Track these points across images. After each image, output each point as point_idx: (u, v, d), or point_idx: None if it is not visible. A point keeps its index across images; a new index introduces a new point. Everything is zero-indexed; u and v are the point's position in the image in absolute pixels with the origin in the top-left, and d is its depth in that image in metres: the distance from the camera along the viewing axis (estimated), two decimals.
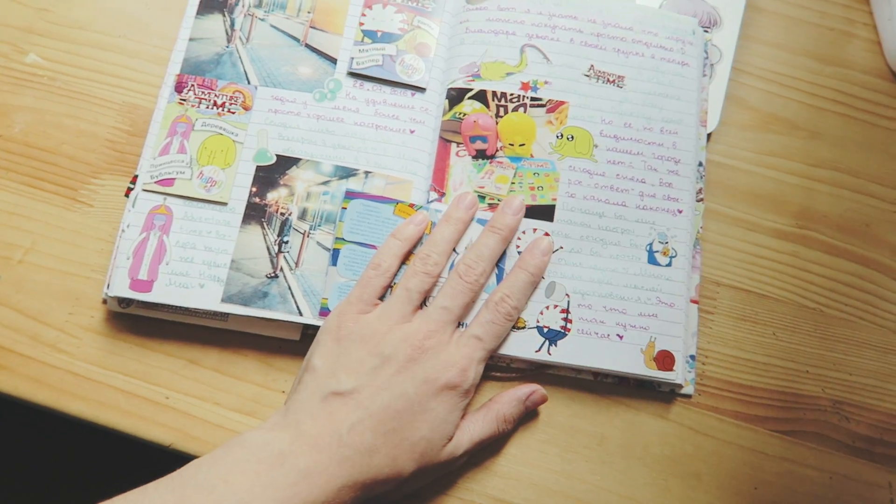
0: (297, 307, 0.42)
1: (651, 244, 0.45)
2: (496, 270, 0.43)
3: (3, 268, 0.45)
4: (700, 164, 0.48)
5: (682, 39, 0.48)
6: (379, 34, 0.47)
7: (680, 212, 0.45)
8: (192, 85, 0.46)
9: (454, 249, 0.43)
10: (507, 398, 0.42)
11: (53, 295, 0.45)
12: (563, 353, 0.42)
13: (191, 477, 0.35)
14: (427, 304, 0.41)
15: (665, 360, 0.43)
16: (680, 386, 0.44)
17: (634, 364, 0.42)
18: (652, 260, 0.44)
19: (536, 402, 0.42)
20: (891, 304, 0.47)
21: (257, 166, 0.45)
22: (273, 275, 0.43)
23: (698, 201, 0.47)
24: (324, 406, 0.38)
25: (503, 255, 0.43)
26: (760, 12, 0.54)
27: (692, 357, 0.45)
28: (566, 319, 0.43)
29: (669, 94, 0.47)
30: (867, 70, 0.53)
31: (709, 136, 0.50)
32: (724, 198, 0.49)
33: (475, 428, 0.40)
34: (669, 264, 0.44)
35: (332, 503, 0.36)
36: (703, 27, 0.52)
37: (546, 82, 0.47)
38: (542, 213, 0.44)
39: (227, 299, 0.42)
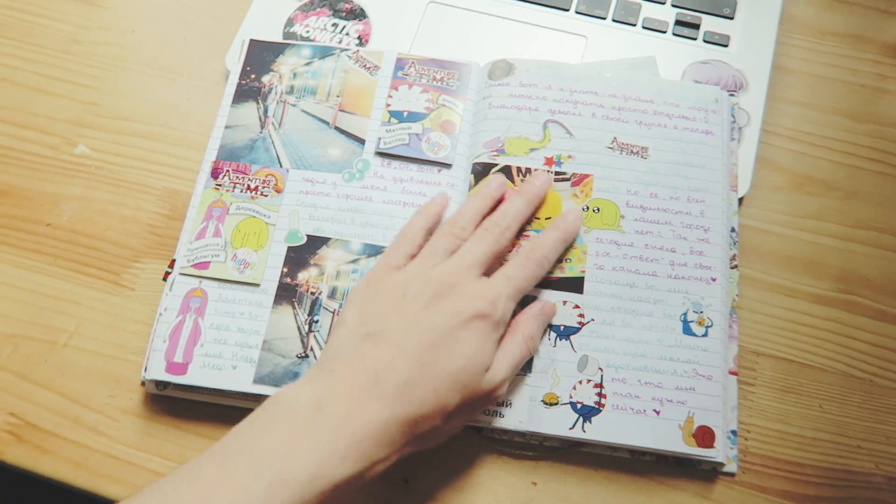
0: None
1: (685, 314, 0.44)
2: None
3: (49, 352, 0.47)
4: (732, 230, 0.47)
5: (705, 108, 0.48)
6: (405, 114, 0.49)
7: (713, 280, 0.44)
8: (228, 170, 0.48)
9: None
10: (525, 318, 0.42)
11: (95, 378, 0.46)
12: (598, 431, 0.41)
13: (231, 442, 0.35)
14: None
15: (705, 436, 0.41)
16: (722, 464, 0.42)
17: (673, 441, 0.41)
18: (687, 330, 0.43)
19: (549, 314, 0.43)
20: None
21: (288, 247, 0.46)
22: (303, 355, 0.43)
23: (732, 268, 0.46)
24: (356, 351, 0.38)
25: None
26: (788, 72, 0.54)
27: (733, 432, 0.43)
28: (600, 395, 0.42)
29: (694, 162, 0.47)
30: None
31: (740, 200, 0.49)
32: (760, 263, 0.48)
33: (506, 353, 0.40)
34: (706, 334, 0.43)
35: (381, 442, 0.35)
36: (728, 91, 0.52)
37: (570, 156, 0.47)
38: (572, 285, 0.44)
39: (258, 380, 0.43)
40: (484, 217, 0.44)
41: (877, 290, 0.47)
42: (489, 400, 0.40)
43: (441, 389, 0.37)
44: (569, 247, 0.44)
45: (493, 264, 0.42)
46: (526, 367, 0.42)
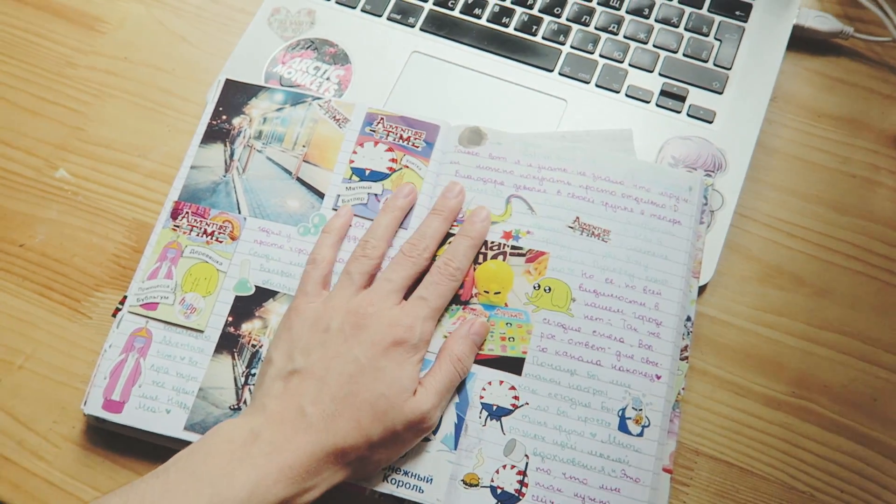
0: None
1: (624, 409, 0.42)
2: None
3: (4, 372, 0.48)
4: (688, 319, 0.45)
5: (676, 196, 0.47)
6: (367, 172, 0.49)
7: (658, 377, 0.43)
8: (187, 212, 0.48)
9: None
10: (453, 339, 0.43)
11: (43, 402, 0.47)
12: None
13: (172, 465, 0.38)
14: None
15: None
16: None
17: None
18: (623, 427, 0.42)
19: (479, 333, 0.43)
20: (894, 494, 0.42)
21: (236, 296, 0.46)
22: (236, 406, 0.44)
23: (682, 359, 0.45)
24: (285, 386, 0.40)
25: None
26: (773, 153, 0.52)
27: None
28: (522, 483, 0.41)
29: (657, 252, 0.45)
30: (890, 223, 0.49)
31: (702, 288, 0.47)
32: (714, 356, 0.46)
33: (434, 378, 0.41)
34: (641, 434, 0.42)
35: (310, 470, 0.38)
36: (706, 171, 0.50)
37: (528, 232, 0.46)
38: (511, 365, 0.43)
39: (189, 427, 0.43)
40: (393, 229, 0.46)
41: (834, 398, 0.45)
42: (418, 429, 0.40)
43: (363, 419, 0.39)
44: (478, 252, 0.46)
45: (412, 284, 0.44)
46: (452, 443, 0.42)
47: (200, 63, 0.58)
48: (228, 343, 0.45)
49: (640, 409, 0.42)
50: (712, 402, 0.45)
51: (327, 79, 0.55)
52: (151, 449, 0.45)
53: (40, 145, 0.55)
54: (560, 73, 0.54)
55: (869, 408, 0.44)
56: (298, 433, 0.38)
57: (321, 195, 0.48)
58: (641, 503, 0.41)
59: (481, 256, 0.46)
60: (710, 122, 0.52)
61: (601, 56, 0.54)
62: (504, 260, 0.46)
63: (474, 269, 0.46)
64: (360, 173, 0.49)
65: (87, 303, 0.50)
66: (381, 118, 0.50)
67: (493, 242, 0.46)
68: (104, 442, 0.46)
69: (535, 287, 0.45)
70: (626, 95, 0.53)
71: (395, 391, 0.39)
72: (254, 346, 0.45)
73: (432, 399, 0.40)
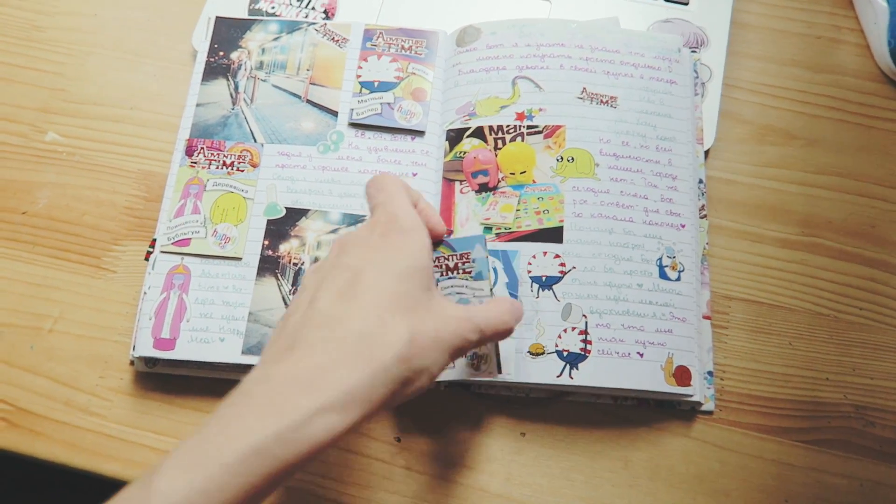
0: None
1: (661, 259, 0.45)
2: (495, 277, 0.43)
3: (34, 338, 0.47)
4: (700, 182, 0.48)
5: (669, 58, 0.49)
6: (376, 84, 0.49)
7: (683, 226, 0.46)
8: (202, 148, 0.48)
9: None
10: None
11: (83, 360, 0.46)
12: (585, 376, 0.42)
13: (227, 401, 0.31)
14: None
15: (683, 375, 0.43)
16: (700, 403, 0.44)
17: (656, 381, 0.42)
18: (663, 274, 0.45)
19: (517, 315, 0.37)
20: None
21: (268, 220, 0.46)
22: None
23: (701, 218, 0.48)
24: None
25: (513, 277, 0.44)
26: (746, 28, 0.56)
27: (710, 373, 0.45)
28: (585, 341, 0.43)
29: (661, 112, 0.48)
30: (858, 74, 0.54)
31: (706, 153, 0.51)
32: (728, 212, 0.50)
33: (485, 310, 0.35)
34: (679, 279, 0.45)
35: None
36: (690, 48, 0.53)
37: (540, 109, 0.48)
38: (551, 235, 0.45)
39: (247, 351, 0.43)
40: None
41: (839, 231, 0.49)
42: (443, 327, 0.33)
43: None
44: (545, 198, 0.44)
45: None
46: None
47: (173, 10, 0.57)
48: (269, 265, 0.45)
49: (674, 257, 0.45)
50: (734, 251, 0.48)
51: (312, 9, 0.55)
52: (207, 383, 0.45)
53: (22, 111, 0.53)
54: None
55: (870, 234, 0.49)
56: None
57: (334, 113, 0.49)
58: (691, 339, 0.43)
59: (500, 142, 0.47)
60: (686, 4, 0.55)
61: None
62: (522, 140, 0.47)
63: (496, 156, 0.47)
64: (369, 86, 0.49)
65: (107, 258, 0.49)
66: (380, 32, 0.51)
67: (508, 126, 0.48)
68: (155, 386, 0.45)
69: (558, 160, 0.47)
70: None
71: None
72: (295, 264, 0.45)
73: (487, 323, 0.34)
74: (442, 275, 0.41)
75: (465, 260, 0.40)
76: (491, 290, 0.40)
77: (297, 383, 0.30)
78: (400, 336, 0.31)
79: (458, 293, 0.40)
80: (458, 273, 0.40)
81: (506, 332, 0.36)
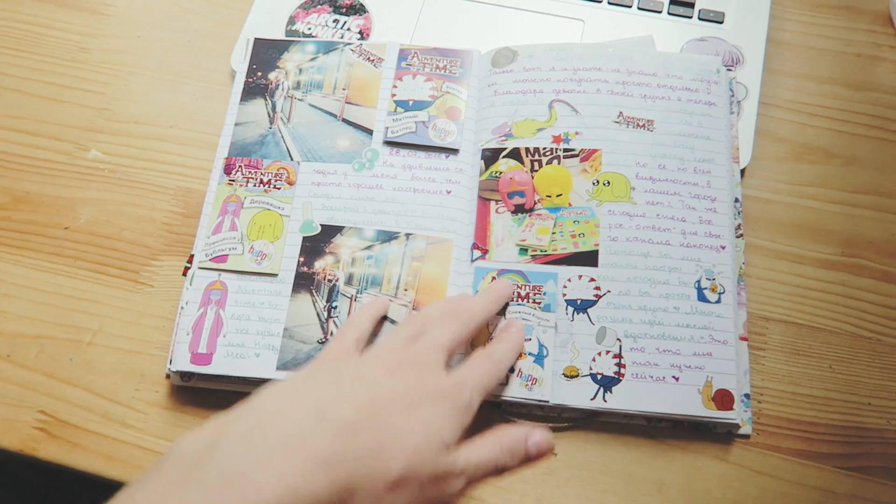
0: None
1: (699, 281, 0.45)
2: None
3: (73, 350, 0.48)
4: (736, 201, 0.48)
5: (707, 80, 0.49)
6: (410, 103, 0.50)
7: (723, 248, 0.45)
8: (240, 166, 0.49)
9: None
10: (508, 429, 0.37)
11: (120, 373, 0.47)
12: (619, 400, 0.42)
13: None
14: None
15: (724, 399, 0.42)
16: (737, 426, 0.43)
17: (693, 406, 0.42)
18: (701, 297, 0.44)
19: (541, 448, 0.37)
20: None
21: (304, 237, 0.47)
22: (324, 340, 0.44)
23: (738, 237, 0.47)
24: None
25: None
26: (783, 45, 0.55)
27: (747, 396, 0.44)
28: (619, 364, 0.43)
29: (699, 134, 0.48)
30: None
31: (742, 171, 0.50)
32: (765, 232, 0.49)
33: (475, 448, 0.35)
34: (719, 301, 0.44)
35: (305, 485, 0.30)
36: (726, 66, 0.53)
37: (577, 133, 0.48)
38: (586, 259, 0.45)
39: (281, 366, 0.44)
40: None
41: (881, 252, 0.48)
42: (442, 486, 0.33)
43: (387, 446, 0.32)
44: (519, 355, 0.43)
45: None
46: (540, 361, 0.43)
47: (213, 32, 0.58)
48: (305, 282, 0.46)
49: (713, 279, 0.45)
50: (772, 272, 0.48)
51: (348, 30, 0.56)
52: (239, 398, 0.45)
53: (66, 130, 0.55)
54: None
55: None
56: (305, 431, 0.31)
57: (369, 131, 0.49)
58: (732, 362, 0.43)
59: (536, 164, 0.47)
60: (721, 23, 0.55)
61: None
62: (559, 163, 0.47)
63: (532, 178, 0.47)
64: (404, 105, 0.50)
65: (145, 273, 0.50)
66: (415, 52, 0.51)
67: (545, 148, 0.48)
68: (191, 400, 0.46)
69: (594, 183, 0.47)
70: (639, 8, 0.55)
71: (432, 435, 0.33)
72: (330, 280, 0.46)
73: (464, 465, 0.34)
74: (512, 301, 0.44)
75: (536, 291, 0.44)
76: (556, 323, 0.43)
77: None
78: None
79: (524, 319, 0.44)
80: (527, 302, 0.44)
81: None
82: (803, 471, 0.43)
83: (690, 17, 0.55)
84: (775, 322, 0.46)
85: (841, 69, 0.54)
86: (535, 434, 0.37)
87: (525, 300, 0.44)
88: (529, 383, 0.42)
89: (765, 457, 0.43)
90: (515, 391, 0.42)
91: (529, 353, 0.43)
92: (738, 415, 0.42)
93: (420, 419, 0.33)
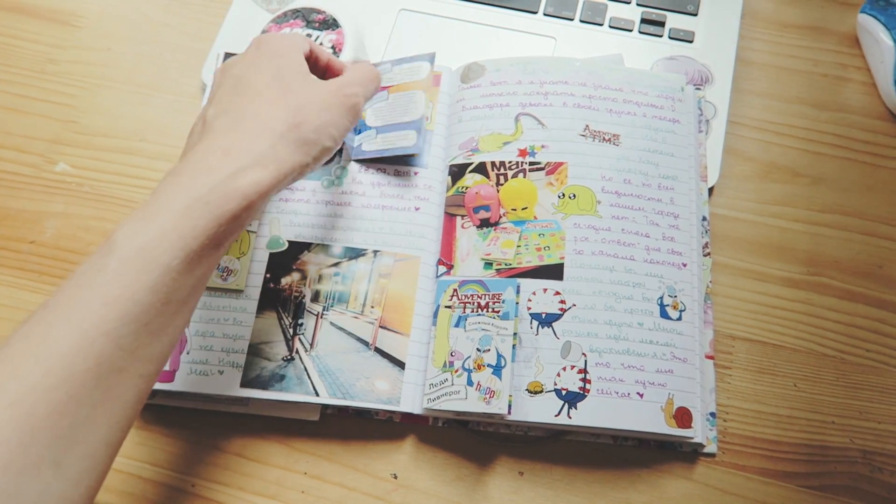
0: (314, 388, 0.43)
1: (662, 298, 0.45)
2: (515, 341, 0.43)
3: None
4: (704, 219, 0.48)
5: (672, 97, 0.50)
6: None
7: (684, 265, 0.46)
8: None
9: None
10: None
11: None
12: (584, 416, 0.42)
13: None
14: None
15: (683, 417, 0.42)
16: (702, 445, 0.43)
17: (655, 423, 0.42)
18: (664, 314, 0.44)
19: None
20: None
21: (270, 253, 0.47)
22: (289, 357, 0.44)
23: (705, 255, 0.47)
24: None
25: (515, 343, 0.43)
26: (751, 65, 0.56)
27: (712, 414, 0.44)
28: (584, 380, 0.43)
29: (664, 150, 0.48)
30: (864, 112, 0.54)
31: (710, 190, 0.50)
32: (732, 250, 0.49)
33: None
34: (680, 318, 0.44)
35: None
36: (695, 85, 0.53)
37: (543, 146, 0.48)
38: (551, 272, 0.45)
39: (245, 384, 0.43)
40: None
41: (844, 271, 0.48)
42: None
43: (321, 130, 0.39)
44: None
45: None
46: (499, 372, 0.43)
47: (184, 45, 0.58)
48: (271, 298, 0.45)
49: (675, 296, 0.45)
50: (737, 290, 0.48)
51: (321, 44, 0.56)
52: (205, 415, 0.45)
53: (33, 142, 0.54)
54: (545, 14, 0.56)
55: (877, 275, 0.48)
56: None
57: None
58: (692, 380, 0.43)
59: (502, 178, 0.47)
60: (691, 42, 0.55)
61: None
62: (524, 177, 0.47)
63: (498, 191, 0.47)
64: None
65: None
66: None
67: (510, 162, 0.48)
68: (155, 418, 0.45)
69: (559, 196, 0.47)
70: (610, 27, 0.56)
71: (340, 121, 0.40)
72: (296, 297, 0.46)
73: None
74: (473, 311, 0.44)
75: (495, 300, 0.43)
76: (515, 332, 0.42)
77: (216, 153, 0.36)
78: (285, 111, 0.38)
79: (483, 329, 0.43)
80: (487, 311, 0.44)
81: (377, 78, 0.43)
82: (767, 489, 0.43)
83: (661, 36, 0.55)
84: (741, 340, 0.47)
85: (808, 89, 0.55)
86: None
87: (484, 310, 0.44)
88: (488, 396, 0.42)
89: (729, 475, 0.43)
90: (474, 405, 0.42)
91: (488, 365, 0.42)
92: (697, 433, 0.42)
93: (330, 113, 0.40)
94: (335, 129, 0.39)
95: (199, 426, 0.45)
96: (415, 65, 0.50)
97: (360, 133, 0.50)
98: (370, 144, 0.49)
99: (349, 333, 0.45)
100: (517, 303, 0.44)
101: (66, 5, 0.59)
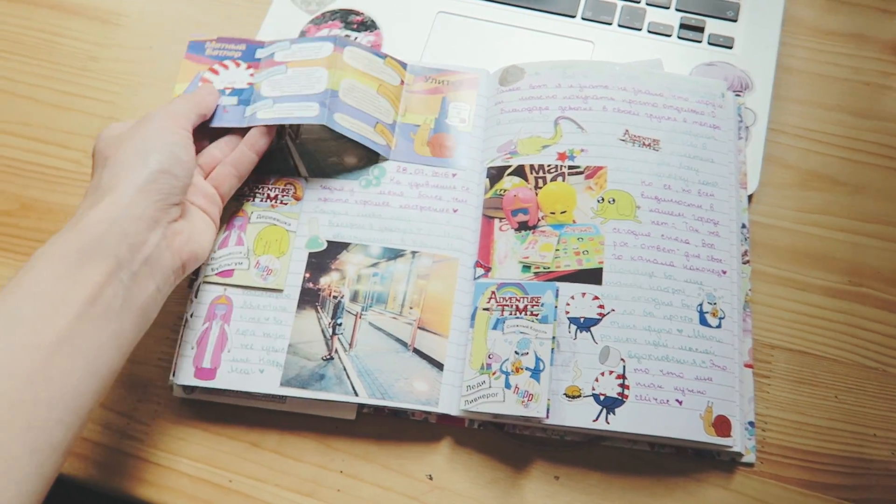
0: (353, 387, 0.43)
1: (701, 305, 0.44)
2: (554, 345, 0.43)
3: None
4: (743, 226, 0.48)
5: (713, 103, 0.49)
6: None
7: (724, 273, 0.45)
8: (247, 181, 0.49)
9: None
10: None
11: (123, 384, 0.47)
12: (622, 422, 0.42)
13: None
14: None
15: (722, 425, 0.42)
16: (740, 454, 0.43)
17: (694, 431, 0.42)
18: (703, 321, 0.44)
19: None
20: None
21: (309, 253, 0.47)
22: (328, 357, 0.44)
23: (744, 263, 0.47)
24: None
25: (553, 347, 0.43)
26: (792, 72, 0.55)
27: (751, 423, 0.44)
28: (623, 385, 0.42)
29: (703, 156, 0.48)
30: None
31: (750, 197, 0.50)
32: (771, 258, 0.49)
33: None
34: (719, 326, 0.44)
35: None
36: (735, 91, 0.53)
37: (582, 150, 0.48)
38: (590, 276, 0.45)
39: (285, 383, 0.44)
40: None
41: (886, 281, 0.48)
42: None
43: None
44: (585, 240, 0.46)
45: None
46: (537, 376, 0.43)
47: None
48: (310, 298, 0.46)
49: (715, 304, 0.44)
50: (777, 299, 0.48)
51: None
52: (243, 412, 0.45)
53: (75, 138, 0.55)
54: (583, 18, 0.56)
55: None
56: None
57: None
58: (732, 388, 0.43)
59: (540, 181, 0.47)
60: (731, 48, 0.55)
61: None
62: (563, 180, 0.47)
63: (537, 194, 0.47)
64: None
65: None
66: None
67: (549, 165, 0.48)
68: (194, 413, 0.46)
69: (599, 200, 0.47)
70: (649, 32, 0.56)
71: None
72: (335, 297, 0.46)
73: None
74: (511, 314, 0.44)
75: (534, 303, 0.43)
76: (554, 336, 0.42)
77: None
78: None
79: (521, 333, 0.43)
80: (525, 314, 0.43)
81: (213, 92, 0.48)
82: (805, 501, 0.42)
83: (700, 42, 0.55)
84: (781, 350, 0.46)
85: (848, 97, 0.54)
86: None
87: (523, 313, 0.44)
88: (526, 400, 0.42)
89: (767, 486, 0.43)
90: (512, 408, 0.42)
91: (526, 368, 0.42)
92: (735, 442, 0.42)
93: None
94: (183, 151, 0.43)
95: (237, 422, 0.45)
96: (317, 44, 0.50)
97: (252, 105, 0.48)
98: (266, 113, 0.48)
99: (388, 334, 0.45)
100: (556, 306, 0.44)
101: (108, 4, 0.60)
